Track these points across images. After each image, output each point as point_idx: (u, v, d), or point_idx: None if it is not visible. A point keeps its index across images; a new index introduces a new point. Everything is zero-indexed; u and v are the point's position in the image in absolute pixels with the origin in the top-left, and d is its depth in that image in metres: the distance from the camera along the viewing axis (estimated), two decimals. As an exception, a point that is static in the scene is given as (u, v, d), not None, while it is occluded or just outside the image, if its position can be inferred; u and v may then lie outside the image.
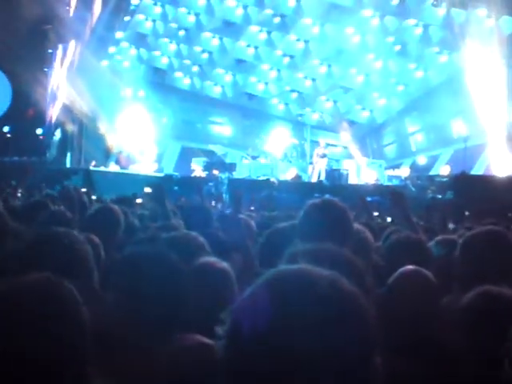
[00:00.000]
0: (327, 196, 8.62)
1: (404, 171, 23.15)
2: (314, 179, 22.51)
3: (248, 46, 25.25)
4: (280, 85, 26.51)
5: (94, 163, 25.00)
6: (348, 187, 19.97)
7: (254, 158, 24.36)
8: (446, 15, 21.48)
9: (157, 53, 26.48)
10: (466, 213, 12.13)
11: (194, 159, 24.64)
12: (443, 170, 22.29)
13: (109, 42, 25.26)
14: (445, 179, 20.01)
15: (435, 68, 23.59)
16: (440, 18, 21.77)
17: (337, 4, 22.75)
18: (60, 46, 25.75)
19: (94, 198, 9.97)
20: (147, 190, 16.75)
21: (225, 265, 3.37)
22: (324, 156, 23.05)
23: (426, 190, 19.63)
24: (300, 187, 19.70)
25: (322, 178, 22.55)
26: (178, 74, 27.21)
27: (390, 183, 22.67)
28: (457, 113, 22.46)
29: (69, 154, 25.62)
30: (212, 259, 3.41)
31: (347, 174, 22.94)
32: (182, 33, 25.38)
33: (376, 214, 12.07)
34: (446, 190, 18.89)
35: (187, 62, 26.55)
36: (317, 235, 3.16)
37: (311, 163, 23.77)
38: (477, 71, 20.89)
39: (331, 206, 3.54)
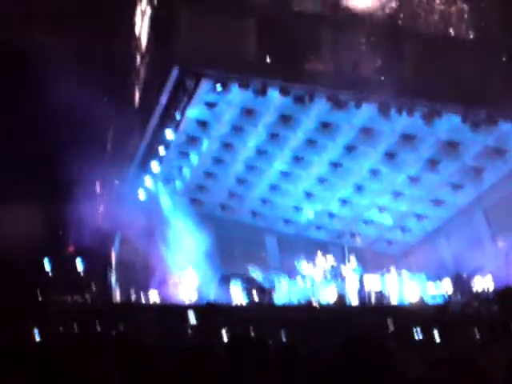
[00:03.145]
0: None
1: (445, 285, 22.87)
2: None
3: (281, 170, 25.61)
4: (316, 207, 26.74)
5: (133, 295, 25.12)
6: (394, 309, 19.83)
7: (292, 280, 24.34)
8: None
9: (193, 184, 27.01)
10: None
11: (232, 285, 24.65)
12: (485, 281, 22.07)
13: (145, 175, 25.80)
14: (489, 294, 19.78)
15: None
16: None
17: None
18: (98, 183, 26.37)
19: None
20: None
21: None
22: (354, 274, 23.18)
23: (470, 307, 19.39)
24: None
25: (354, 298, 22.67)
26: (214, 203, 27.61)
27: (433, 301, 22.43)
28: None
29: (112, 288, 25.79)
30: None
31: (389, 294, 22.84)
32: (216, 163, 25.90)
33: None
34: (492, 305, 18.65)
35: (223, 191, 27.04)
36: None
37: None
38: None
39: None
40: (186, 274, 25.42)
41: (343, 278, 24.14)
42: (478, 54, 21.34)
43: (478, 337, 12.74)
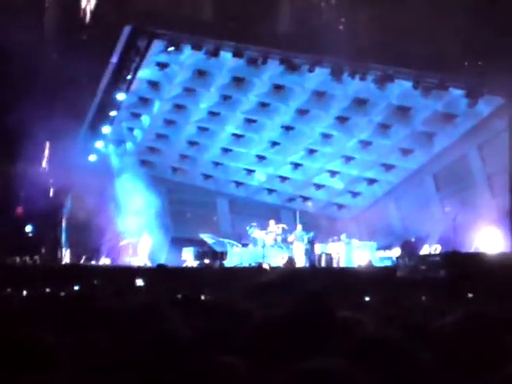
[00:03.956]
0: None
1: (395, 252, 23.21)
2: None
3: (233, 133, 25.53)
4: (267, 170, 26.75)
5: (83, 258, 24.98)
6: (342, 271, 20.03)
7: (244, 245, 24.43)
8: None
9: (144, 146, 26.78)
10: (470, 295, 12.18)
11: (184, 249, 24.64)
12: (434, 248, 22.41)
13: (96, 136, 25.49)
14: (436, 258, 20.02)
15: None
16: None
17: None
18: (47, 144, 25.96)
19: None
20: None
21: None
22: (300, 240, 23.31)
23: (418, 270, 19.63)
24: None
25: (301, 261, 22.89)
26: (166, 166, 27.44)
27: (381, 264, 22.72)
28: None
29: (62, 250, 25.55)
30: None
31: (338, 258, 23.08)
32: (167, 125, 25.69)
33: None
34: (439, 269, 18.89)
35: (174, 153, 26.87)
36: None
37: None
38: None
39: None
40: (137, 237, 25.33)
41: (293, 242, 24.31)
42: (432, 17, 21.37)
43: (424, 299, 12.92)
